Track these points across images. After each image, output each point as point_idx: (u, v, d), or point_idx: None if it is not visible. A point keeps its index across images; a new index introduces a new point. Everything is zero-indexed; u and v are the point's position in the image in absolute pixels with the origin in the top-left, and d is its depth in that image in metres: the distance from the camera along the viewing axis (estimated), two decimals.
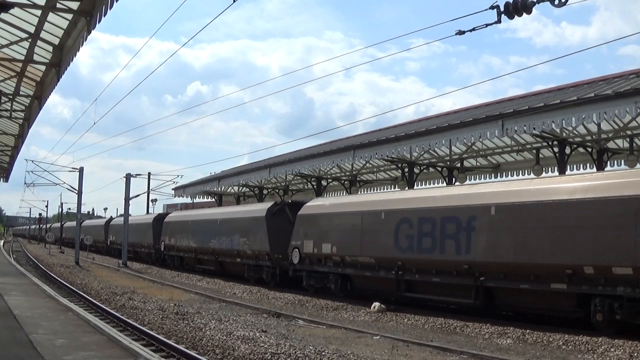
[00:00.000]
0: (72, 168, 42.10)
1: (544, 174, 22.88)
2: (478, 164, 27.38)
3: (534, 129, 17.89)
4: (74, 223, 61.95)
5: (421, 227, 16.77)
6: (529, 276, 13.97)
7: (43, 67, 15.91)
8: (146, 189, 51.19)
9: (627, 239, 12.03)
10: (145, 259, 41.41)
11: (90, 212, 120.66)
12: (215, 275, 28.99)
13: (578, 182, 13.97)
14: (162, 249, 36.60)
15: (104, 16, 11.04)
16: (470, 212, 15.42)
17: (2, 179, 40.99)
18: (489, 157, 26.52)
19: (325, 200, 25.46)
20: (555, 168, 21.94)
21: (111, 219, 56.11)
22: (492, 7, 8.58)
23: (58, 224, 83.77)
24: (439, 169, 27.61)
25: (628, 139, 20.98)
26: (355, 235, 19.28)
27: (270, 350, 10.55)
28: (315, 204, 22.74)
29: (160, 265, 37.05)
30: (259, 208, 26.40)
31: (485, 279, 14.95)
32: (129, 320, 14.20)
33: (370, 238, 18.72)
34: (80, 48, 13.29)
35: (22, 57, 15.10)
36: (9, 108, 20.06)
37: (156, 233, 38.06)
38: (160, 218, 39.23)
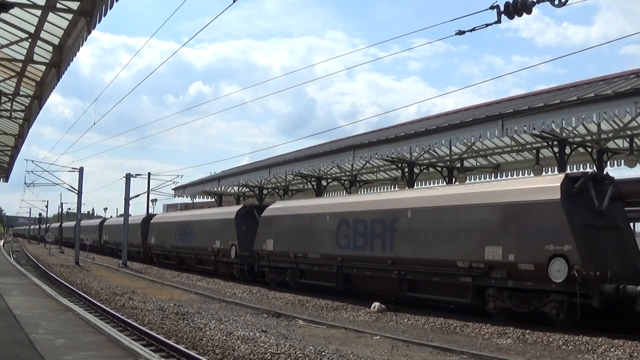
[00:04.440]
0: (72, 168, 42.25)
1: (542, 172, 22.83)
2: (478, 164, 27.42)
3: (534, 129, 17.91)
4: (87, 222, 61.73)
5: None
6: None
7: (43, 67, 15.90)
8: (146, 189, 51.17)
9: None
10: (222, 271, 28.17)
11: (90, 212, 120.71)
12: (397, 303, 17.82)
13: None
14: (257, 258, 24.34)
15: (104, 16, 11.08)
16: None
17: (2, 179, 41.03)
18: (489, 157, 26.54)
19: None
20: (555, 168, 21.96)
21: (151, 216, 43.30)
22: (492, 7, 8.63)
23: (60, 224, 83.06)
24: (439, 169, 27.64)
25: (628, 139, 21.01)
26: None
27: (270, 350, 10.54)
28: None
29: (251, 282, 25.00)
30: (539, 186, 14.33)
31: None
32: (129, 320, 14.21)
33: None
34: (80, 48, 13.33)
35: (22, 57, 15.10)
36: (9, 108, 20.05)
37: (242, 233, 26.38)
38: (246, 212, 27.01)
